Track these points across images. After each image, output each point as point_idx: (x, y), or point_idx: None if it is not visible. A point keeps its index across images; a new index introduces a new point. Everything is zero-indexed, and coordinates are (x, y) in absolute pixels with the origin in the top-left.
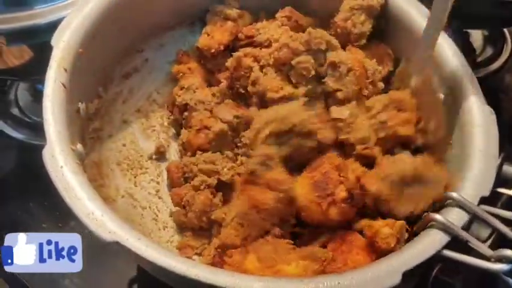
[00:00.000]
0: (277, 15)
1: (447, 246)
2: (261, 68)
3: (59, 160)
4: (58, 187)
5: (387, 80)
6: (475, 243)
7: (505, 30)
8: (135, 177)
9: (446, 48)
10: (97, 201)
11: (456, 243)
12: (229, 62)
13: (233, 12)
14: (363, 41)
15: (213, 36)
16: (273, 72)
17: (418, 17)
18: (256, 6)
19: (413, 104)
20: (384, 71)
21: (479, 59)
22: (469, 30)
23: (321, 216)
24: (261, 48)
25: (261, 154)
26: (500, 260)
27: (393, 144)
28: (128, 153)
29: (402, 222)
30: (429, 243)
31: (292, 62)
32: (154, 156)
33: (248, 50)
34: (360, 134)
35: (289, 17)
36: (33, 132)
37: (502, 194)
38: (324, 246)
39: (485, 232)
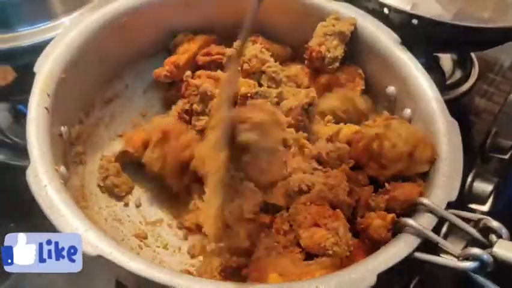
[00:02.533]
0: None
1: (420, 249)
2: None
3: (43, 180)
4: (42, 206)
5: None
6: (443, 243)
7: (473, 54)
8: (118, 200)
9: (412, 68)
10: (80, 217)
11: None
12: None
13: (184, 36)
14: (337, 65)
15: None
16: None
17: (386, 40)
18: (226, 34)
19: None
20: (356, 90)
21: (448, 82)
22: (439, 55)
23: None
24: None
25: None
26: (468, 258)
27: None
28: None
29: (393, 215)
30: (402, 246)
31: (263, 68)
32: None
33: (201, 71)
34: None
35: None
36: (13, 153)
37: (474, 209)
38: None
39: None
